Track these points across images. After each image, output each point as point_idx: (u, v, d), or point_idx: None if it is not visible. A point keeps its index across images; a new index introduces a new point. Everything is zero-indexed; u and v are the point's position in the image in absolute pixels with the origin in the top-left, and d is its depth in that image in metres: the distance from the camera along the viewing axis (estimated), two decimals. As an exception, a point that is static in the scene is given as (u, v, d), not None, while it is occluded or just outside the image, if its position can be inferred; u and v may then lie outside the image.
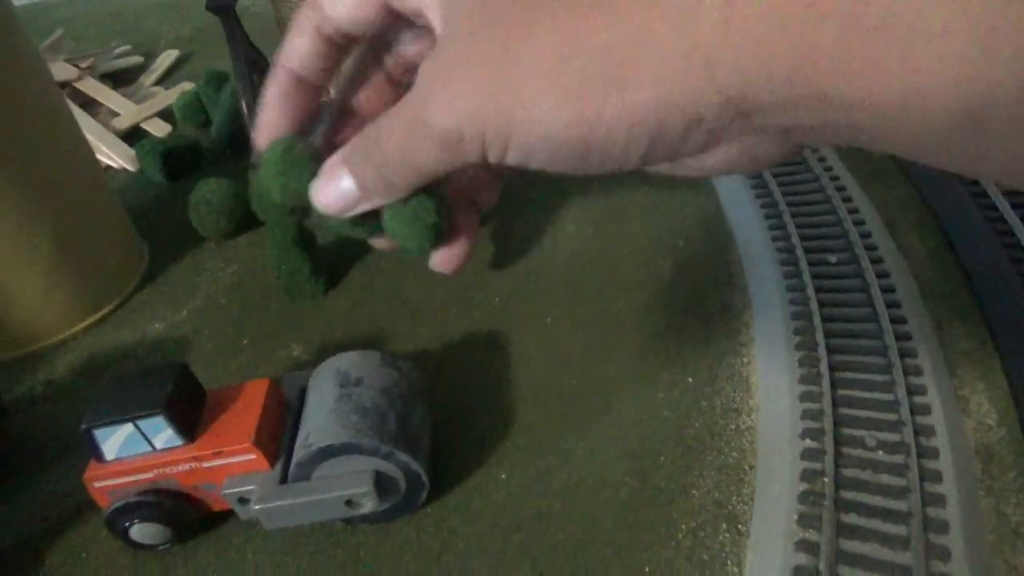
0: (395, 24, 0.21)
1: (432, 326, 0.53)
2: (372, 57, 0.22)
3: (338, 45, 0.21)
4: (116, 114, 0.87)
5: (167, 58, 1.02)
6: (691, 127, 0.17)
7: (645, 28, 0.16)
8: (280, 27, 0.68)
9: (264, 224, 0.67)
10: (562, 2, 0.16)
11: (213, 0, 0.66)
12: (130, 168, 0.78)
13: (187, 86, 0.90)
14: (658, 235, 0.60)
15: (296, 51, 0.21)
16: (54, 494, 0.47)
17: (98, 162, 0.63)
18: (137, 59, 1.02)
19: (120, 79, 0.99)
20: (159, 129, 0.85)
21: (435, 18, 0.18)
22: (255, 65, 0.71)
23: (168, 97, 0.88)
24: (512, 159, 0.18)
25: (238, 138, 0.76)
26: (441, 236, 0.21)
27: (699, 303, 0.53)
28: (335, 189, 0.21)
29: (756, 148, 0.18)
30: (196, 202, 0.63)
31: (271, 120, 0.22)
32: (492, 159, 0.18)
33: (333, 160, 0.21)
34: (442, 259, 0.22)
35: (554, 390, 0.48)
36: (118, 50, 1.04)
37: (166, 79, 0.99)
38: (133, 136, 0.85)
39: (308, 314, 0.57)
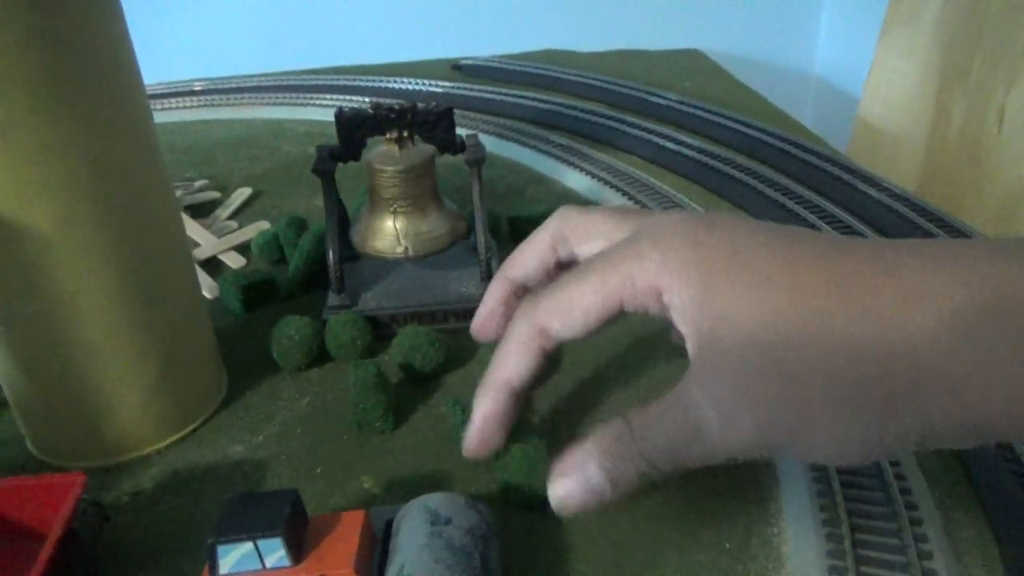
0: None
1: (490, 470, 0.59)
2: None
3: (550, 352, 0.28)
4: (196, 244, 0.96)
5: (241, 195, 1.13)
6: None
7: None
8: (370, 194, 0.79)
9: (333, 360, 0.74)
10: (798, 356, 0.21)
11: (319, 163, 0.77)
12: (208, 296, 0.86)
13: (263, 224, 1.00)
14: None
15: (516, 369, 0.28)
16: (141, 601, 0.50)
17: (199, 284, 0.71)
18: (215, 194, 1.13)
19: (197, 211, 1.09)
20: (234, 261, 0.94)
21: (687, 335, 0.24)
22: (343, 220, 0.81)
23: (246, 233, 0.98)
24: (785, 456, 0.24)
25: (312, 279, 0.84)
26: None
27: (730, 475, 0.60)
28: (583, 484, 0.26)
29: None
30: (279, 336, 0.71)
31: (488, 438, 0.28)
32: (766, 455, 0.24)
33: (576, 458, 0.26)
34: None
35: (607, 541, 0.53)
36: (198, 183, 1.15)
37: (239, 214, 1.10)
38: (207, 266, 0.94)
39: (377, 448, 0.63)
